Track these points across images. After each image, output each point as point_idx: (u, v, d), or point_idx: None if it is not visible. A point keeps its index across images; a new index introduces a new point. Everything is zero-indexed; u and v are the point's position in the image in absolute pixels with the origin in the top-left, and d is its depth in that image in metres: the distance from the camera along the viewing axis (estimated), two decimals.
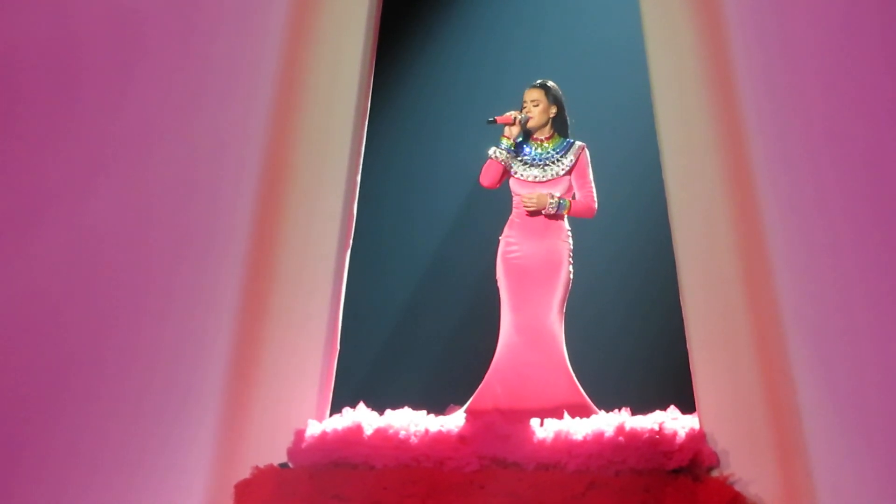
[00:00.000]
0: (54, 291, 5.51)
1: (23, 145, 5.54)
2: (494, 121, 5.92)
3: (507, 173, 5.96)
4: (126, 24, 5.61)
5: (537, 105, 5.95)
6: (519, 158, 5.95)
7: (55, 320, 5.49)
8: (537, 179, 5.92)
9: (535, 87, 5.97)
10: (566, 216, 5.91)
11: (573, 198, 5.92)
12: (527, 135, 6.00)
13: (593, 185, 5.93)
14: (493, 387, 5.78)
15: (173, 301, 5.53)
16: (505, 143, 5.93)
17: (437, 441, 5.34)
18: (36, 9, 5.58)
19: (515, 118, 5.92)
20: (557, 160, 5.95)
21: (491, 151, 5.94)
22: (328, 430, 5.43)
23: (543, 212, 5.87)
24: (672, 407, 5.55)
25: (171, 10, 5.63)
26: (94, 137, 5.57)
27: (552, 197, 5.86)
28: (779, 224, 5.17)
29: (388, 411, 5.62)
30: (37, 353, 5.46)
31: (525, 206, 5.88)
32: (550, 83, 5.97)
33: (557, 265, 5.85)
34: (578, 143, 5.97)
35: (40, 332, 5.48)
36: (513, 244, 5.92)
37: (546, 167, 5.94)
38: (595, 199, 5.92)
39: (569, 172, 5.93)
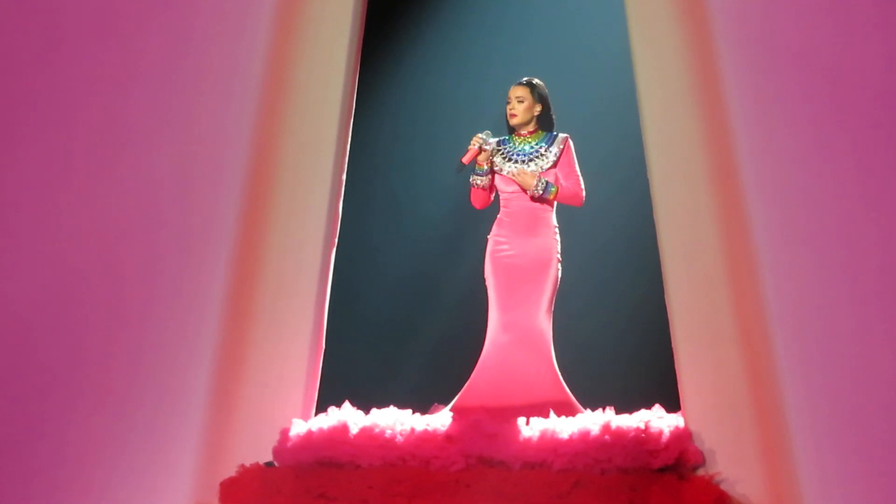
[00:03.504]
0: (38, 290, 5.49)
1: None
2: (463, 164, 5.86)
3: (493, 189, 5.95)
4: (113, 22, 5.59)
5: (522, 102, 5.93)
6: (503, 155, 5.94)
7: (39, 320, 5.47)
8: None
9: (520, 84, 5.94)
10: (553, 214, 5.89)
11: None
12: (511, 131, 6.00)
13: (580, 174, 5.92)
14: (479, 385, 5.77)
15: (159, 300, 5.52)
16: (480, 170, 5.90)
17: (423, 440, 5.34)
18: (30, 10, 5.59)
19: (480, 147, 5.87)
20: (542, 154, 5.94)
21: (471, 181, 5.92)
22: (314, 429, 5.43)
23: (528, 192, 5.85)
24: (657, 405, 5.55)
25: (158, 9, 5.61)
26: (80, 136, 5.55)
27: (539, 179, 5.84)
28: (764, 222, 5.16)
29: (373, 410, 5.62)
30: (21, 353, 5.44)
31: (513, 178, 5.86)
32: (536, 81, 5.95)
33: (546, 263, 5.84)
34: (562, 134, 5.96)
35: (24, 331, 5.46)
36: (502, 243, 5.91)
37: (531, 161, 5.93)
38: (582, 187, 5.90)
39: (554, 165, 5.91)
